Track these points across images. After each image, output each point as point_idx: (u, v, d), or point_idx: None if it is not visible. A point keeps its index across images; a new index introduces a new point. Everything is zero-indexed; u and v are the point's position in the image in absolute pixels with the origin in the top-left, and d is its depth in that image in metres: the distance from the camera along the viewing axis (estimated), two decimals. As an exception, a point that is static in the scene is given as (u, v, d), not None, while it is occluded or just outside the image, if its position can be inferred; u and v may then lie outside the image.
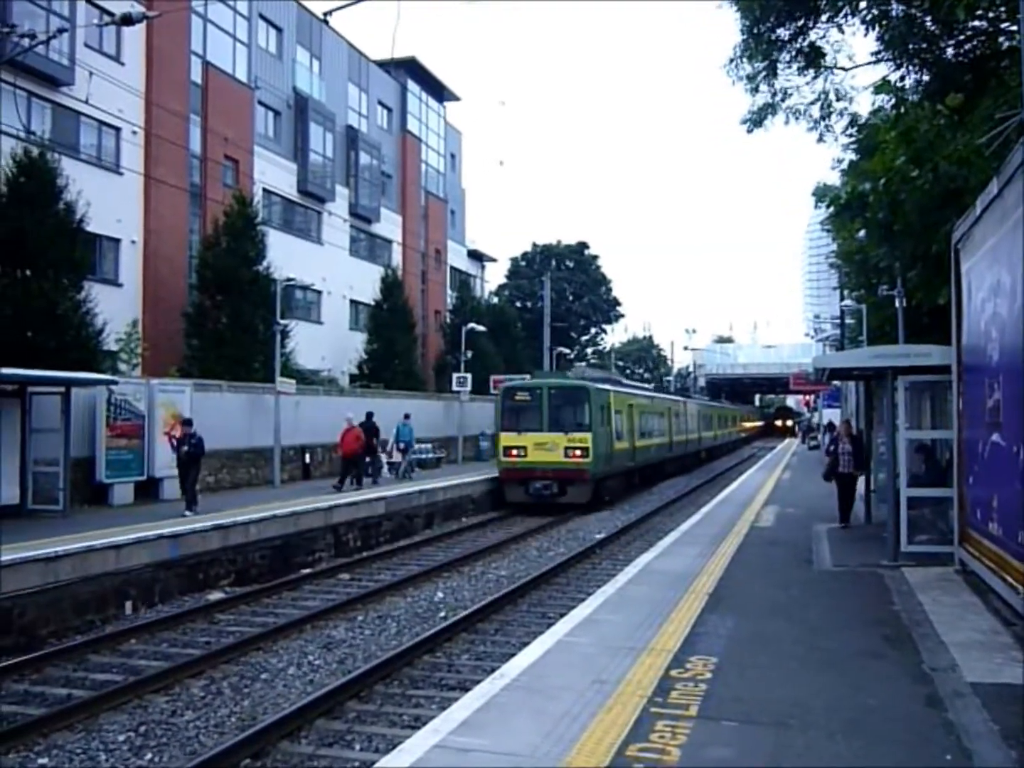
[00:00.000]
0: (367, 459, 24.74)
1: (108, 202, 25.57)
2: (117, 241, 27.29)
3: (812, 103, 14.60)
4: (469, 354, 36.25)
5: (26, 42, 15.68)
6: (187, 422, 18.39)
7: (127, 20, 14.91)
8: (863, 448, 16.21)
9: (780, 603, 9.74)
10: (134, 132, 27.28)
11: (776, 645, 7.90)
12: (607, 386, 29.47)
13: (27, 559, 11.91)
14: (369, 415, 25.18)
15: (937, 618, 8.78)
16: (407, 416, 28.10)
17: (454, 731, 5.67)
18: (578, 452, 25.44)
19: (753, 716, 5.97)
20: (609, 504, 27.26)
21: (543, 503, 25.22)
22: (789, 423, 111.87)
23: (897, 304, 21.96)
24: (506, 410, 26.55)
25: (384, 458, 27.25)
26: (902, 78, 12.69)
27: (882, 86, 12.84)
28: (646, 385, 51.91)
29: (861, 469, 16.11)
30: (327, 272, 37.31)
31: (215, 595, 14.33)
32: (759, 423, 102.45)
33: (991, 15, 11.19)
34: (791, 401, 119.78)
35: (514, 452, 25.87)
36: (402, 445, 27.33)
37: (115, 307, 24.40)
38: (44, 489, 17.25)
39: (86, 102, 21.11)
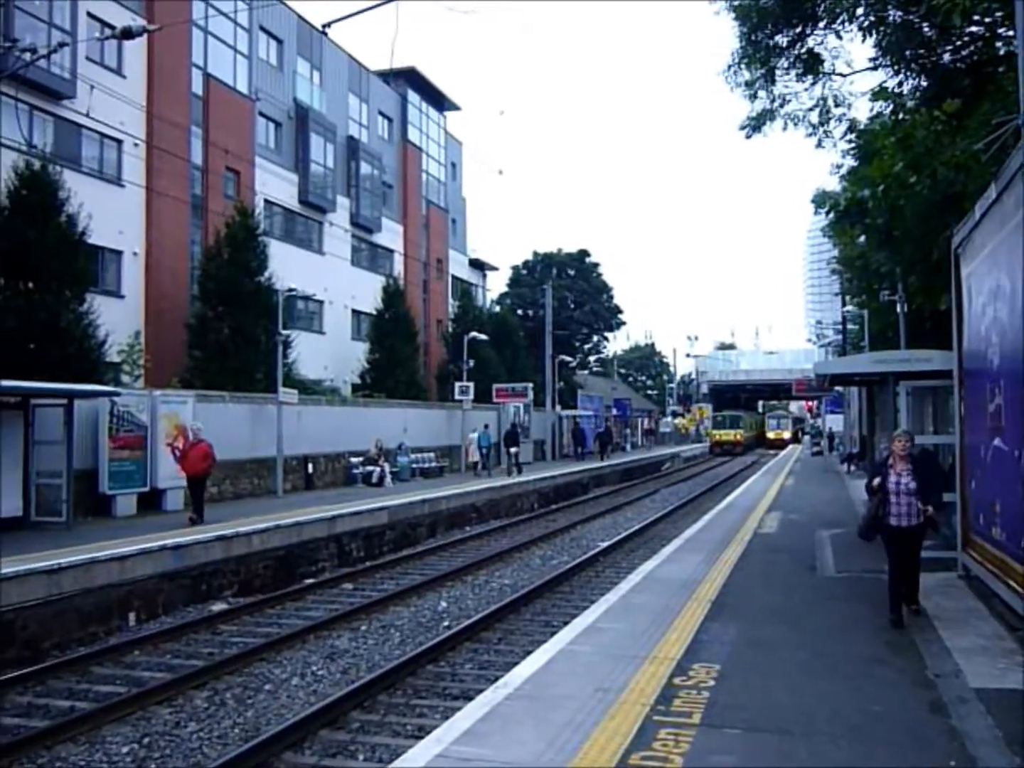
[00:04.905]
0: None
1: (110, 214, 25.67)
2: (119, 253, 27.39)
3: (810, 109, 14.64)
4: (471, 363, 36.25)
5: (28, 56, 15.73)
6: None
7: (127, 34, 14.92)
8: (942, 476, 10.30)
9: (783, 609, 9.72)
10: (135, 144, 27.36)
11: (779, 652, 7.88)
12: (742, 414, 76.25)
13: (30, 571, 11.90)
14: (513, 425, 34.69)
15: (940, 623, 8.77)
16: (486, 426, 34.19)
17: (457, 740, 5.66)
18: (739, 436, 71.20)
19: (756, 723, 5.95)
20: (746, 454, 68.77)
21: (727, 453, 66.83)
22: (786, 435, 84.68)
23: (899, 309, 22.04)
24: (714, 422, 74.76)
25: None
26: (900, 84, 12.72)
27: (879, 92, 12.88)
28: (745, 411, 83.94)
29: (938, 510, 9.29)
30: (329, 282, 37.43)
31: (218, 606, 14.30)
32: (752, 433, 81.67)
33: (987, 21, 11.21)
34: (794, 407, 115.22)
35: (716, 436, 71.67)
36: (484, 450, 32.90)
37: (117, 319, 24.48)
38: (47, 501, 17.24)
39: (87, 115, 21.21)
